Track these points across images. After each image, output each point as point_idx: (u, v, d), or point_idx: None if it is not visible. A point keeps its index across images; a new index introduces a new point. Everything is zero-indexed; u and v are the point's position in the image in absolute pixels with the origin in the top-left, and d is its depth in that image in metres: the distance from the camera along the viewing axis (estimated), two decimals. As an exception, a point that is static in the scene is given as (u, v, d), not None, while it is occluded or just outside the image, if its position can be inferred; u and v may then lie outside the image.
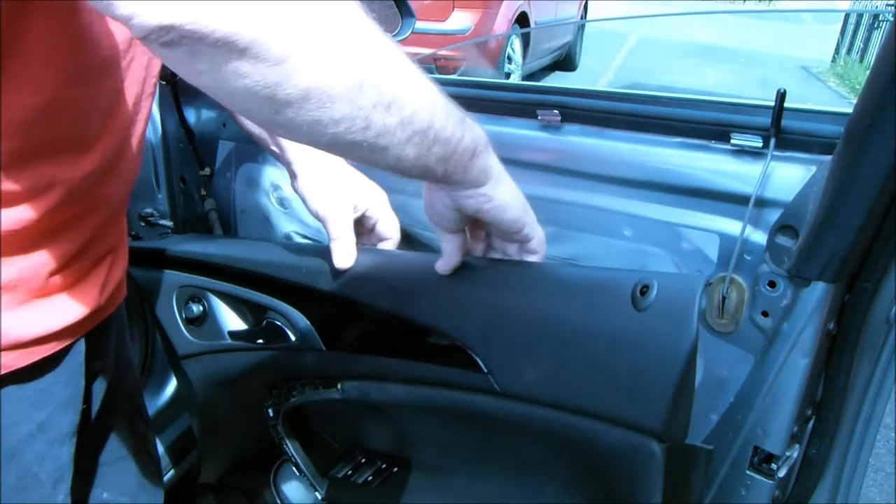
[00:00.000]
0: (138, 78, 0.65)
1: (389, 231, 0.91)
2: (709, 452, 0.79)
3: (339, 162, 0.87)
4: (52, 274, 0.62)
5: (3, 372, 0.60)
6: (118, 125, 0.64)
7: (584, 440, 0.78)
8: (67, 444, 0.69)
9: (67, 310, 0.65)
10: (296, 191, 0.87)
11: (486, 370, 0.79)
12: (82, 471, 0.73)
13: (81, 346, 0.69)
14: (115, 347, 0.81)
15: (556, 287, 0.79)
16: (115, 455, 0.84)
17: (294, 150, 0.85)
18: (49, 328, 0.63)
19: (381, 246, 0.92)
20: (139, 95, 0.67)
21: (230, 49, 0.42)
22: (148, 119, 0.71)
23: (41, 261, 0.61)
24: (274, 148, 0.87)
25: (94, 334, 0.72)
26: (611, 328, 0.73)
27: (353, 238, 0.84)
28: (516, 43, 5.83)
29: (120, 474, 0.85)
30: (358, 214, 0.87)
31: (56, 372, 0.66)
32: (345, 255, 0.83)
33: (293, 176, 0.87)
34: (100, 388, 0.78)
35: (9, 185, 0.55)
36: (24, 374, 0.62)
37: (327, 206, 0.84)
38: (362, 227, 0.91)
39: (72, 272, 0.65)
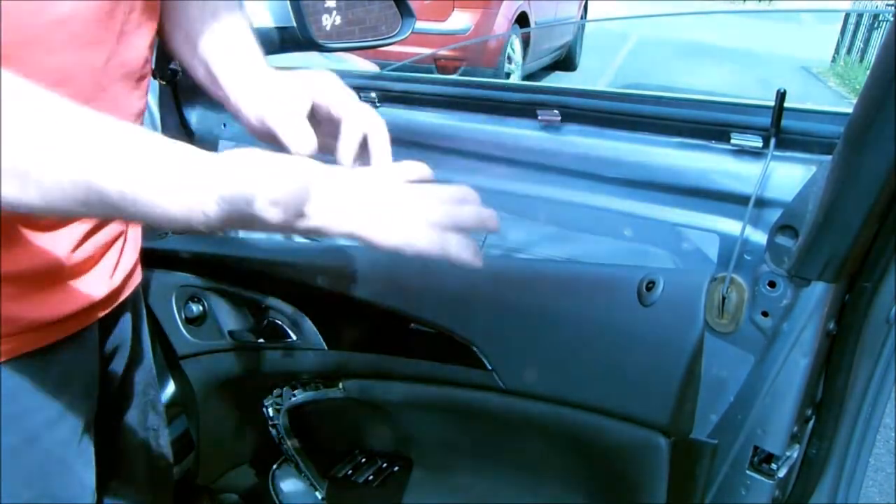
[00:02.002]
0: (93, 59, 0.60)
1: (343, 111, 0.71)
2: (714, 447, 0.79)
3: (281, 73, 0.75)
4: (63, 259, 0.63)
5: (15, 355, 0.60)
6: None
7: (589, 436, 0.78)
8: (91, 430, 0.70)
9: (78, 294, 0.65)
10: (245, 124, 0.75)
11: (490, 367, 0.79)
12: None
13: (95, 332, 0.70)
14: (131, 337, 0.82)
15: (561, 283, 0.79)
16: (125, 446, 0.85)
17: (234, 92, 0.75)
18: (61, 312, 0.63)
19: (343, 135, 0.71)
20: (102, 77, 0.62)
21: None
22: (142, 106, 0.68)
23: (52, 246, 0.61)
24: (219, 93, 0.77)
25: (108, 320, 0.73)
26: (617, 324, 0.73)
27: (304, 122, 0.69)
28: (516, 43, 5.83)
29: (129, 466, 0.86)
30: (307, 106, 0.72)
31: (74, 358, 0.67)
32: (299, 138, 0.67)
33: (237, 110, 0.75)
34: (113, 377, 0.79)
35: None
36: (41, 360, 0.63)
37: (269, 112, 0.71)
38: (317, 122, 0.72)
39: (82, 258, 0.65)
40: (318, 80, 0.74)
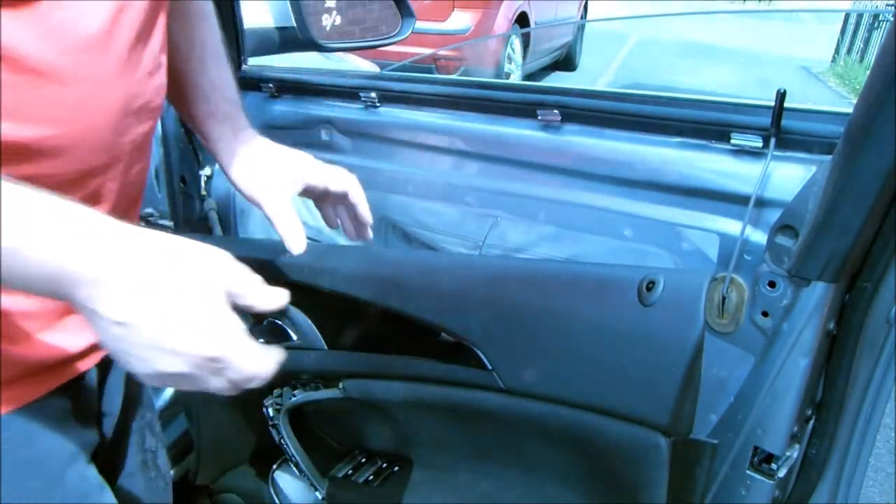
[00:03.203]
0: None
1: (342, 184, 0.82)
2: (713, 447, 0.79)
3: (265, 145, 0.82)
4: (31, 309, 0.61)
5: (24, 403, 0.60)
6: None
7: (588, 436, 0.78)
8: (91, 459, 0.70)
9: (81, 334, 0.64)
10: (231, 183, 0.82)
11: (490, 367, 0.79)
12: None
13: (94, 370, 0.69)
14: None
15: (561, 283, 0.79)
16: (123, 471, 0.84)
17: (219, 142, 0.81)
18: (66, 352, 0.63)
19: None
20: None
21: None
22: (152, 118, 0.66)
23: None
24: (202, 139, 0.83)
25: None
26: (617, 324, 0.73)
27: (294, 216, 0.78)
28: (516, 43, 5.83)
29: (126, 489, 0.85)
30: (299, 189, 0.81)
31: (77, 393, 0.66)
32: (294, 239, 0.77)
33: (224, 168, 0.82)
34: (112, 404, 0.78)
35: None
36: (49, 401, 0.62)
37: (259, 188, 0.79)
38: (330, 207, 0.86)
39: (52, 307, 0.63)
40: (303, 164, 0.81)
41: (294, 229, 0.78)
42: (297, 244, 0.77)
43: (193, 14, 0.79)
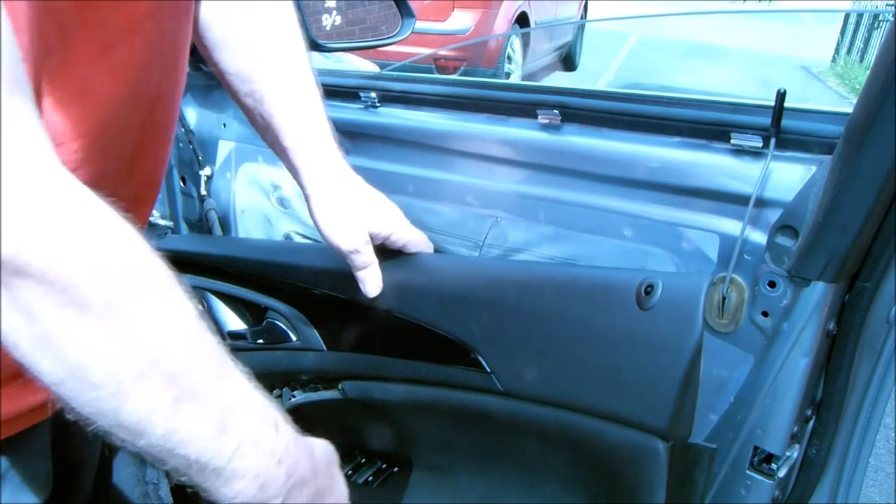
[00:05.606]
0: None
1: (418, 248, 0.89)
2: (712, 451, 0.79)
3: (356, 186, 0.83)
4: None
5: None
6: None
7: (587, 439, 0.78)
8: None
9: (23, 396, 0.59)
10: (311, 217, 0.82)
11: (489, 370, 0.79)
12: None
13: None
14: None
15: (560, 287, 0.79)
16: (123, 502, 0.82)
17: (309, 175, 0.81)
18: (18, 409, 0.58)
19: None
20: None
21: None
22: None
23: None
24: (289, 168, 0.83)
25: None
26: (615, 328, 0.73)
27: (376, 264, 0.82)
28: (516, 43, 5.83)
29: None
30: (379, 242, 0.84)
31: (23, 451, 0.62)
32: (373, 284, 0.82)
33: (307, 199, 0.82)
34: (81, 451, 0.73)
35: None
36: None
37: (345, 238, 0.80)
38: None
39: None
40: (392, 222, 0.85)
41: (375, 279, 0.82)
42: (374, 290, 0.83)
43: (277, 48, 0.78)
